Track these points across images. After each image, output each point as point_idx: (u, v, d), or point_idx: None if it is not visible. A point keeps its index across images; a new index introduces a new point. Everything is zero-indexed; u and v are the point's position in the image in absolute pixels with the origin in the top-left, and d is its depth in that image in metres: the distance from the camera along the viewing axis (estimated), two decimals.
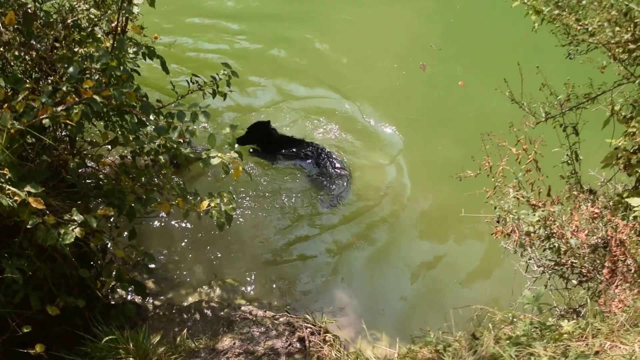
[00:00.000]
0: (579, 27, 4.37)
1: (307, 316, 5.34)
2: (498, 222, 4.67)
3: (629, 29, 4.17)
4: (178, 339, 4.84)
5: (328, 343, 4.95)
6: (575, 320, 3.80)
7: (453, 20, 10.55)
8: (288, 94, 9.08)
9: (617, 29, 4.22)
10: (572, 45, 4.53)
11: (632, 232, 4.06)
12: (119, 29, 4.83)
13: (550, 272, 4.62)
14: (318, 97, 9.06)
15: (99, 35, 4.87)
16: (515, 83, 4.73)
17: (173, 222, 6.62)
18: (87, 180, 4.83)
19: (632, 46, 4.20)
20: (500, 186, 4.73)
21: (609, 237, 4.13)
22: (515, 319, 3.93)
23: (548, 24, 4.57)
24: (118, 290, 5.41)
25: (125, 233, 5.30)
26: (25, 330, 3.95)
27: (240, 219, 6.93)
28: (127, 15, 4.79)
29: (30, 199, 3.64)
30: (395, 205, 7.45)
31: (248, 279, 6.27)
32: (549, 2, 4.47)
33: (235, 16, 10.36)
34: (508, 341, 3.48)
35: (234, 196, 6.85)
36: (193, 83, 4.93)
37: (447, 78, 9.40)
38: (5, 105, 3.91)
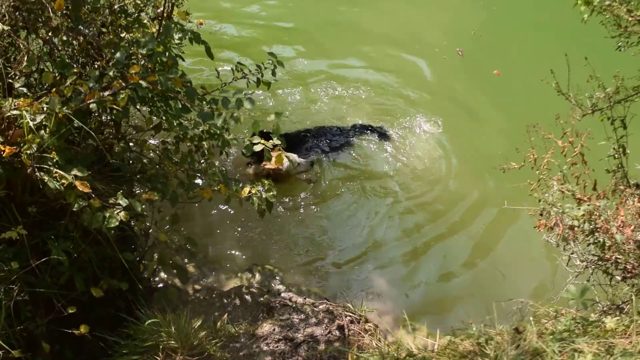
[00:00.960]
0: (630, 19, 4.28)
1: (348, 304, 5.34)
2: (541, 214, 4.61)
3: None
4: (218, 323, 4.88)
5: (369, 332, 4.94)
6: (618, 317, 3.74)
7: (496, 7, 10.44)
8: (325, 72, 9.20)
9: None
10: (623, 37, 4.44)
11: None
12: (164, 14, 4.86)
13: (593, 267, 4.55)
14: (358, 80, 9.10)
15: (145, 21, 4.91)
16: (559, 74, 4.66)
17: (214, 208, 6.66)
18: (131, 165, 4.89)
19: None
20: (545, 179, 4.67)
21: None
22: (557, 314, 3.88)
23: (597, 15, 4.48)
24: (160, 273, 5.47)
25: (167, 218, 5.35)
26: (70, 311, 4.03)
27: (281, 207, 6.96)
28: (172, 0, 4.83)
29: (77, 183, 3.69)
30: (436, 195, 7.41)
31: (287, 265, 6.28)
32: None
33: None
34: (551, 336, 3.44)
35: None
36: (238, 71, 4.95)
37: (485, 66, 9.32)
38: (54, 89, 3.97)
